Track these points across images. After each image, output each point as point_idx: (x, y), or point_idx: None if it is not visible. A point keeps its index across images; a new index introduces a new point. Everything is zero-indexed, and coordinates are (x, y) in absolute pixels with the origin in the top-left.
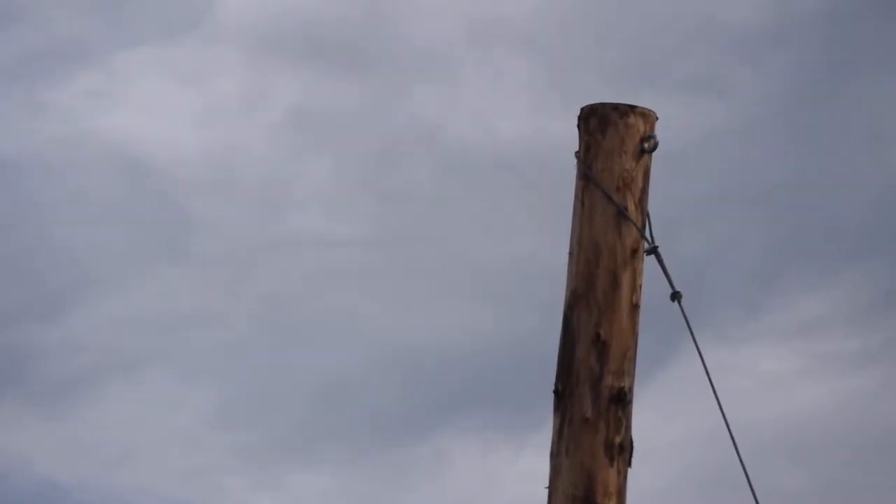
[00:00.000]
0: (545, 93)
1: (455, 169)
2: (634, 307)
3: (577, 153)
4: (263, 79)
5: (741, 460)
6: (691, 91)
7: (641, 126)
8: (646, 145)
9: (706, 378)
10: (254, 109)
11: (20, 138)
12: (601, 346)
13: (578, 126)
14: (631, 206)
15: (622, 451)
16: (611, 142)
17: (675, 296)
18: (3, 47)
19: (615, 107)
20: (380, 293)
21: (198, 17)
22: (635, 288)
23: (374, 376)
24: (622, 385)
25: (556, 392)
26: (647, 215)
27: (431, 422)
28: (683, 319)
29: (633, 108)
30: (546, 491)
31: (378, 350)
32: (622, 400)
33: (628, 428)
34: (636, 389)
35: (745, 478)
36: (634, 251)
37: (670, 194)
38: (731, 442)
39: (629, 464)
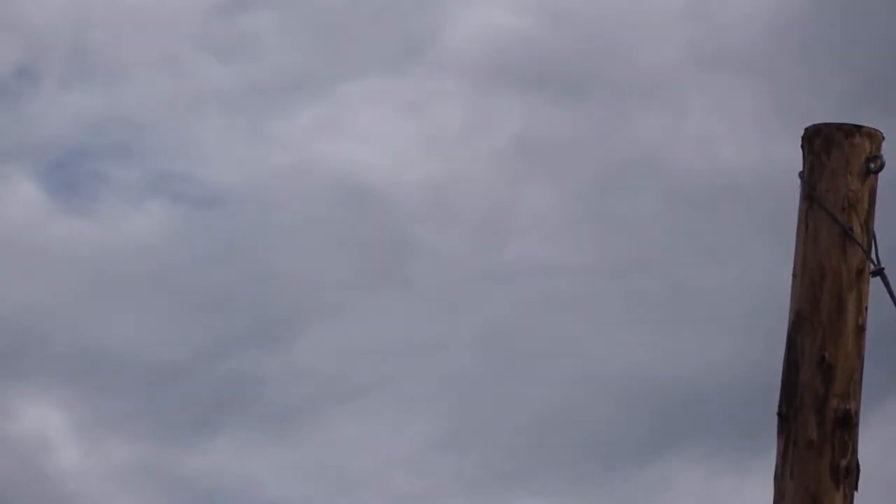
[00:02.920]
0: (770, 118)
1: (678, 196)
2: (860, 329)
3: (800, 174)
4: (486, 107)
5: None
6: None
7: (867, 146)
8: (872, 165)
9: None
10: (477, 138)
11: (246, 168)
12: (826, 369)
13: (802, 147)
14: (856, 227)
15: (848, 475)
16: (836, 162)
17: None
18: (229, 80)
19: (840, 126)
20: (601, 321)
21: (421, 46)
22: (861, 310)
23: (596, 404)
24: (848, 408)
25: (779, 415)
26: (874, 236)
27: (654, 450)
28: None
29: (858, 128)
30: None
31: (599, 378)
32: (848, 423)
33: (854, 451)
34: (863, 415)
35: None
36: (860, 272)
37: None
38: None
39: (856, 488)
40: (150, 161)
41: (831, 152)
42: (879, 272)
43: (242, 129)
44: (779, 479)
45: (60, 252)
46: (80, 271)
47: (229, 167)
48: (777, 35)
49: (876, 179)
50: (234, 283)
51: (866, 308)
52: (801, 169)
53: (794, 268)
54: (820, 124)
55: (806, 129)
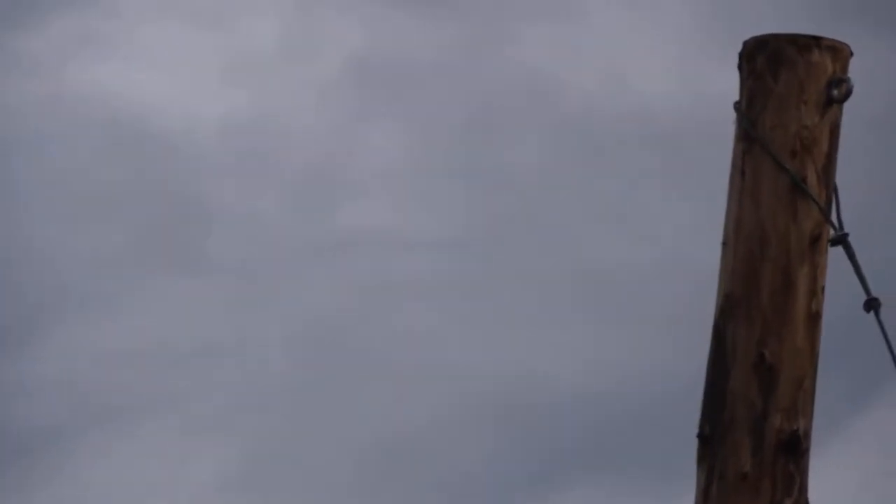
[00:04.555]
0: (699, 32)
1: (575, 142)
2: (814, 318)
3: (736, 105)
4: (313, 20)
5: None
6: None
7: (829, 65)
8: (835, 92)
9: None
10: (298, 62)
11: None
12: (766, 373)
13: (740, 67)
14: (812, 178)
15: None
16: (785, 87)
17: (871, 304)
18: None
19: (792, 39)
20: (470, 313)
21: None
22: (816, 291)
23: (461, 427)
24: (795, 428)
25: (700, 437)
26: (836, 190)
27: (534, 489)
28: (883, 337)
29: (817, 40)
30: None
31: (466, 390)
32: (795, 449)
33: (803, 489)
34: (816, 437)
35: None
36: (815, 240)
37: (869, 171)
38: None
39: None
40: None
41: (779, 74)
42: (842, 239)
43: None
44: None
45: None
46: None
47: None
48: None
49: (840, 112)
50: None
51: (823, 289)
52: (736, 98)
53: (725, 234)
54: (765, 35)
55: (745, 43)
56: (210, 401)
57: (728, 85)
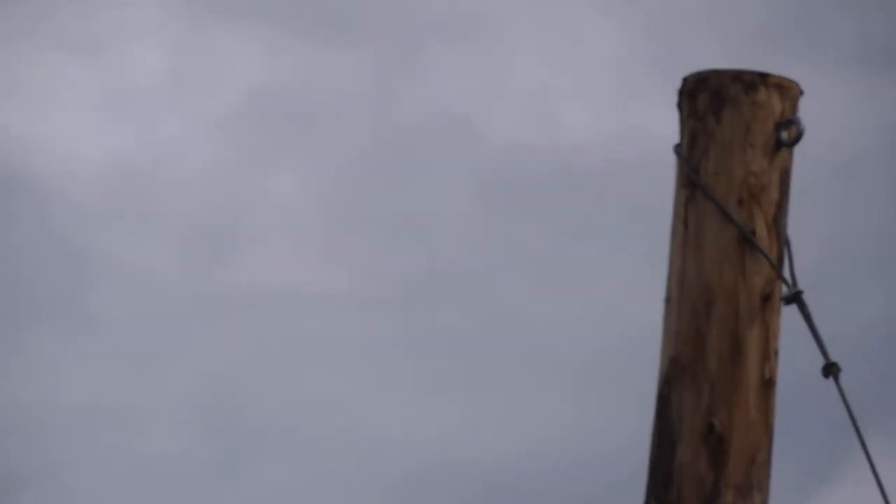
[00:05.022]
0: (635, 68)
1: (498, 186)
2: (767, 385)
3: (676, 147)
4: (203, 47)
5: None
6: (864, 64)
7: (777, 105)
8: (784, 135)
9: (878, 489)
10: (189, 95)
11: None
12: (716, 446)
13: (679, 106)
14: (761, 230)
15: None
16: (730, 129)
17: (830, 369)
18: None
19: (737, 75)
20: (382, 376)
21: None
22: (768, 355)
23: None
24: None
25: None
26: (787, 243)
27: None
28: (844, 405)
29: (763, 77)
30: None
31: (376, 462)
32: None
33: None
34: None
35: None
36: (767, 298)
37: (824, 222)
38: None
39: None
40: None
41: (723, 114)
42: (796, 298)
43: None
44: None
45: None
46: None
47: None
48: None
49: (790, 156)
50: None
51: (777, 353)
52: (677, 140)
53: (668, 290)
54: (706, 72)
55: (685, 80)
56: (93, 475)
57: (668, 124)
